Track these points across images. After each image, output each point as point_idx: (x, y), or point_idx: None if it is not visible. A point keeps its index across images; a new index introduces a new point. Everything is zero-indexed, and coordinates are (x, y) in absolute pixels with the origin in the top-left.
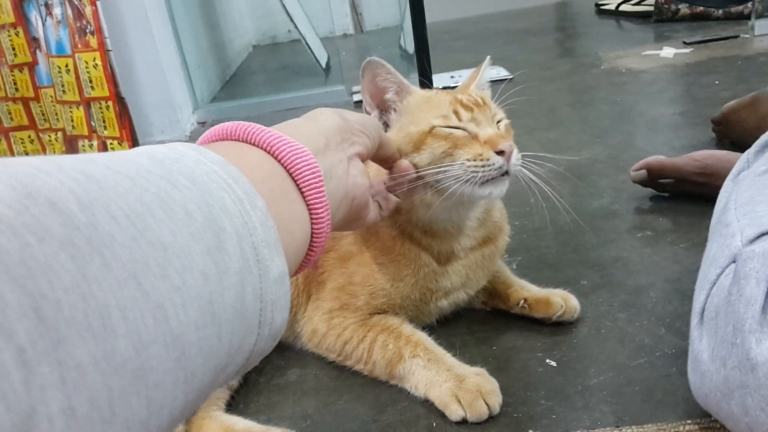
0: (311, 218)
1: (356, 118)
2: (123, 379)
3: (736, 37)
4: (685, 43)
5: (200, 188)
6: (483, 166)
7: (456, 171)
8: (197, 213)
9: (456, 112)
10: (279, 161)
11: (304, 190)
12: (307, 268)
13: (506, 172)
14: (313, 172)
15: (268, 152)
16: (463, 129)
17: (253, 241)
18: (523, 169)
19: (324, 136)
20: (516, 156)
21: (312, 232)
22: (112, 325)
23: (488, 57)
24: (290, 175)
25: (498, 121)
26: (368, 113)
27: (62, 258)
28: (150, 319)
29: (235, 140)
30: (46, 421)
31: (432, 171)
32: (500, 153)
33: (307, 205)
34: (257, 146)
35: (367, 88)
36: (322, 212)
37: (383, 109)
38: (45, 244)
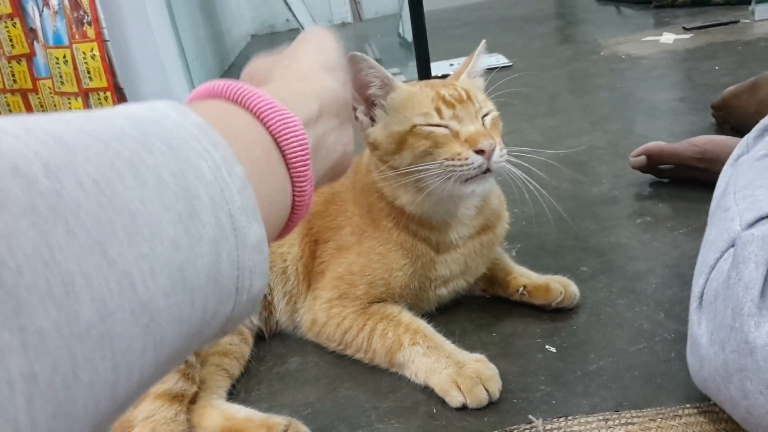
0: (293, 190)
1: (335, 58)
2: (86, 345)
3: (736, 22)
4: (685, 28)
5: (176, 154)
6: (462, 165)
7: (435, 170)
8: (170, 180)
9: (438, 110)
10: (267, 128)
11: (289, 162)
12: (286, 235)
13: (488, 170)
14: (301, 145)
15: (257, 116)
16: (445, 126)
17: (230, 208)
18: (508, 165)
19: (318, 101)
20: (499, 153)
21: (293, 203)
22: (75, 292)
23: (483, 42)
24: (277, 144)
25: (485, 115)
26: (355, 108)
27: (23, 225)
28: (115, 286)
29: (225, 99)
30: (7, 386)
31: (413, 170)
32: (480, 152)
33: (291, 177)
34: (246, 108)
35: (352, 83)
36: (305, 185)
37: (369, 103)
38: (5, 210)
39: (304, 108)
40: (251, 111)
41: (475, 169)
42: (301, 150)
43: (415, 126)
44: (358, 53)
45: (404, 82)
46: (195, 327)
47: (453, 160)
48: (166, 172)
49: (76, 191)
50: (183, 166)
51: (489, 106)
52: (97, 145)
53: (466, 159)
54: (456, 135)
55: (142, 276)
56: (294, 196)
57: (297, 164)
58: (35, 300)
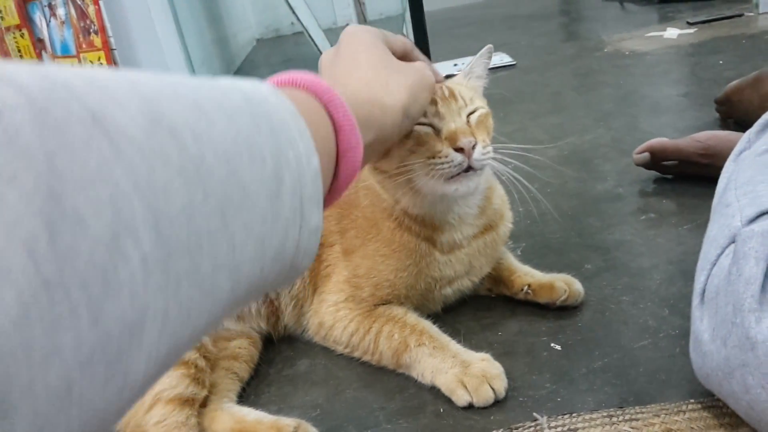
0: (331, 189)
1: (416, 112)
2: (200, 293)
3: (740, 15)
4: (688, 23)
5: (275, 137)
6: (442, 163)
7: (418, 169)
8: (269, 161)
9: None
10: (336, 138)
11: (339, 171)
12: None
13: (471, 168)
14: (352, 173)
15: (335, 128)
16: (428, 124)
17: (302, 195)
18: (495, 163)
19: (375, 134)
20: (481, 151)
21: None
22: (202, 247)
23: (488, 46)
24: (337, 152)
25: (471, 113)
26: None
27: (177, 183)
28: (225, 247)
29: (309, 92)
30: (152, 318)
31: (401, 170)
32: (460, 150)
33: (337, 176)
34: (327, 111)
35: None
36: (341, 192)
37: None
38: (166, 168)
39: (366, 133)
40: (330, 114)
41: (455, 167)
42: (350, 176)
43: None
44: None
45: None
46: (254, 291)
47: (434, 158)
48: (268, 153)
49: (212, 160)
50: (278, 149)
51: (477, 104)
52: (225, 119)
53: (446, 157)
54: (438, 133)
55: (241, 242)
56: (328, 193)
57: (347, 170)
58: (178, 249)
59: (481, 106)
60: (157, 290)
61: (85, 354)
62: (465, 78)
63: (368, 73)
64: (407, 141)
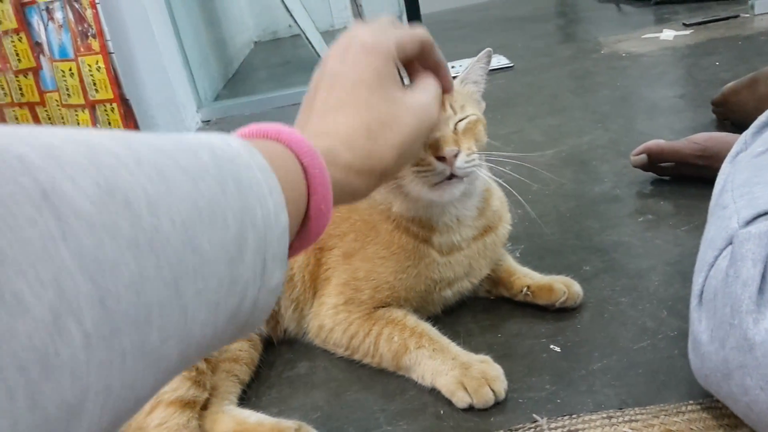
0: (295, 244)
1: (414, 142)
2: (146, 364)
3: (736, 16)
4: (685, 24)
5: (242, 197)
6: (426, 171)
7: (405, 175)
8: (232, 223)
9: None
10: (308, 187)
11: (310, 221)
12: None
13: (454, 176)
14: (326, 218)
15: (307, 183)
16: None
17: (266, 255)
18: (479, 171)
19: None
20: (464, 159)
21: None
22: (151, 319)
23: (486, 50)
24: (307, 199)
25: (461, 120)
26: None
27: (127, 257)
28: (176, 316)
29: (280, 143)
30: (93, 395)
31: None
32: (442, 158)
33: (308, 227)
34: (297, 159)
35: None
36: (306, 244)
37: None
38: (115, 242)
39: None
40: (301, 163)
41: (437, 175)
42: (320, 228)
43: None
44: None
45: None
46: (205, 350)
47: (418, 165)
48: (231, 215)
49: (168, 229)
50: (244, 209)
51: (468, 111)
52: (188, 184)
53: (429, 165)
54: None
55: (193, 309)
56: (293, 245)
57: (316, 227)
58: (125, 325)
59: (472, 113)
60: (100, 368)
61: None
62: (460, 84)
63: (354, 121)
64: None
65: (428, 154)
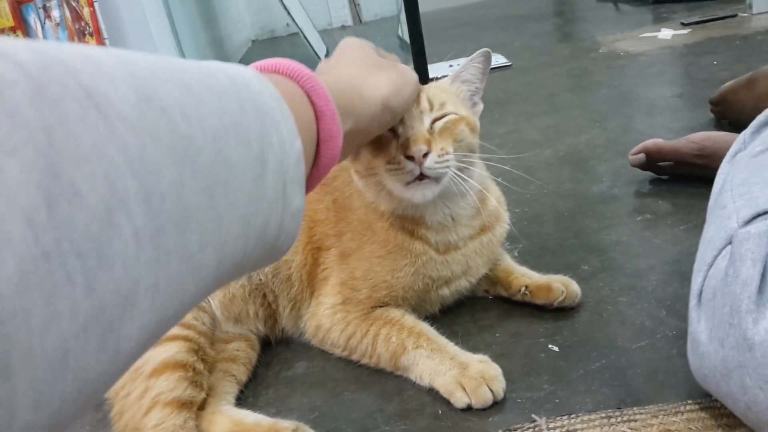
0: (311, 175)
1: (399, 101)
2: (188, 269)
3: (734, 16)
4: (682, 24)
5: (260, 120)
6: (396, 170)
7: (380, 172)
8: (255, 143)
9: None
10: (317, 121)
11: (318, 161)
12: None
13: (424, 176)
14: (332, 158)
15: (315, 114)
16: (391, 129)
17: (285, 178)
18: (452, 172)
19: (354, 122)
20: (434, 159)
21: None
22: (190, 224)
23: (483, 50)
24: (317, 135)
25: (438, 118)
26: None
27: (168, 160)
28: (212, 225)
29: (290, 78)
30: (143, 290)
31: (368, 174)
32: (410, 158)
33: (319, 156)
34: (308, 97)
35: None
36: (320, 177)
37: None
38: (157, 145)
39: (344, 120)
40: (314, 106)
41: (407, 173)
42: (331, 159)
43: None
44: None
45: None
46: (238, 269)
47: (389, 164)
48: (254, 134)
49: (201, 139)
50: (263, 131)
51: (447, 109)
52: (213, 101)
53: (399, 163)
54: (396, 138)
55: (227, 220)
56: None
57: (325, 159)
58: (168, 224)
59: (453, 111)
60: (149, 264)
61: (81, 322)
62: (450, 82)
63: (351, 66)
64: (369, 145)
65: (399, 152)
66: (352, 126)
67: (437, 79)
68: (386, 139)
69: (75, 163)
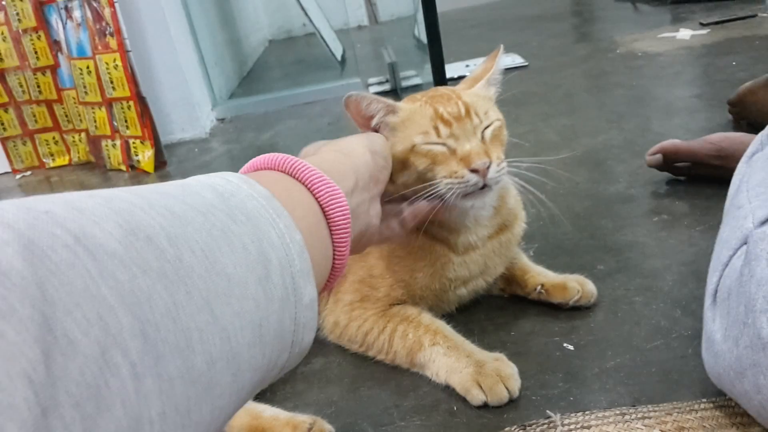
0: (334, 255)
1: (381, 149)
2: (198, 389)
3: (753, 16)
4: (701, 24)
5: (253, 223)
6: (459, 183)
7: (437, 188)
8: (251, 247)
9: (436, 128)
10: (316, 198)
11: (333, 231)
12: (324, 292)
13: (486, 186)
14: (344, 216)
15: (308, 188)
16: (443, 144)
17: (292, 271)
18: (507, 177)
19: (355, 176)
20: (495, 169)
21: (332, 265)
22: (192, 344)
23: (500, 47)
24: (324, 213)
25: (486, 127)
26: None
27: (159, 288)
28: (218, 340)
29: (280, 171)
30: (148, 424)
31: (419, 188)
32: (475, 171)
33: (333, 243)
34: (299, 180)
35: (355, 118)
36: (344, 251)
37: (375, 130)
38: (147, 275)
39: (344, 180)
40: (303, 182)
41: (471, 186)
42: (344, 220)
43: (414, 145)
44: (355, 92)
45: (421, 84)
46: (262, 375)
47: (450, 178)
48: (248, 239)
49: (190, 258)
50: (258, 233)
51: (492, 117)
52: (198, 217)
53: (463, 177)
54: (454, 153)
55: (234, 331)
56: (334, 259)
57: (340, 232)
58: (167, 352)
59: (496, 118)
60: (150, 395)
61: None
62: (484, 87)
63: (321, 149)
64: (422, 160)
65: (461, 166)
66: (356, 180)
67: (453, 80)
68: (441, 155)
69: (68, 311)
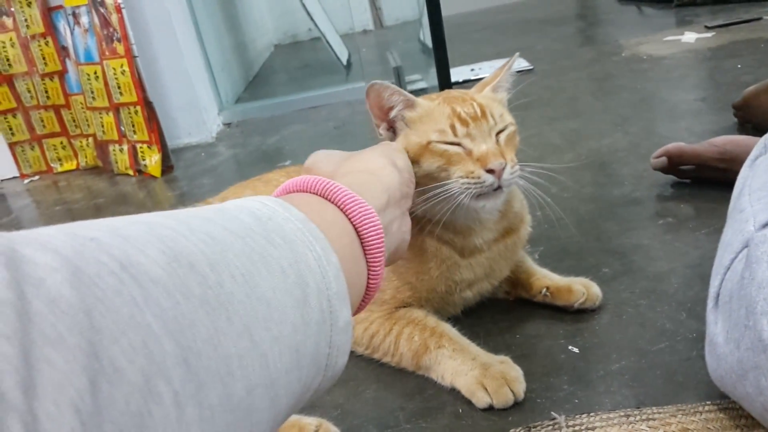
0: (369, 274)
1: (404, 164)
2: (237, 417)
3: (759, 19)
4: (706, 27)
5: (290, 246)
6: (475, 183)
7: (452, 187)
8: (289, 270)
9: (452, 127)
10: (349, 219)
11: (367, 250)
12: (359, 313)
13: (499, 187)
14: (377, 234)
15: (341, 208)
16: (458, 144)
17: (329, 294)
18: (519, 181)
19: (387, 194)
20: (509, 171)
21: (367, 284)
22: (232, 371)
23: (516, 54)
24: (357, 233)
25: (500, 131)
26: (377, 125)
27: (201, 314)
28: (257, 365)
29: (313, 193)
30: None
31: (432, 186)
32: (491, 171)
33: (368, 262)
34: (331, 202)
35: (372, 108)
36: (378, 270)
37: (391, 124)
38: (189, 302)
39: (375, 199)
40: (335, 203)
41: (486, 187)
42: (378, 239)
43: (430, 142)
44: (379, 81)
45: (426, 89)
46: (296, 399)
47: (467, 178)
48: (286, 263)
49: (231, 284)
50: (296, 257)
51: (506, 121)
52: (238, 242)
53: (479, 177)
54: (469, 153)
55: (273, 356)
56: (368, 278)
57: (374, 251)
58: (209, 379)
59: (510, 122)
60: (192, 423)
61: None
62: (493, 91)
63: (341, 164)
64: (437, 158)
65: (477, 166)
66: (388, 198)
67: (459, 83)
68: (456, 155)
69: (114, 339)
